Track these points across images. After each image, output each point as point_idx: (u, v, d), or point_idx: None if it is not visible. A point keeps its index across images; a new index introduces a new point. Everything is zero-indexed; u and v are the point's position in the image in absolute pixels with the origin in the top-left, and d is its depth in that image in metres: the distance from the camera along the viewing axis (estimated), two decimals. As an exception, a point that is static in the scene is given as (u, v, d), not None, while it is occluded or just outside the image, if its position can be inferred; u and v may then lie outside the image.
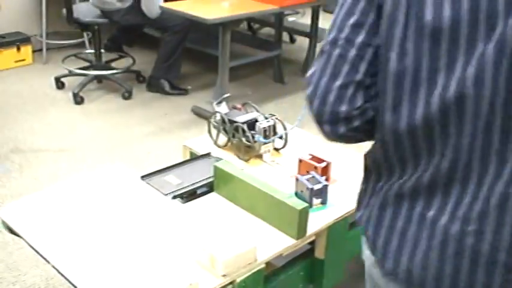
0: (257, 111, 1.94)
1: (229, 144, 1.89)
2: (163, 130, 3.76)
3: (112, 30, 4.47)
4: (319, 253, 1.60)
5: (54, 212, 1.55)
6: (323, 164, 1.72)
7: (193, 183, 1.70)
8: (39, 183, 3.05)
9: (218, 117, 1.89)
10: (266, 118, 1.87)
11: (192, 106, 4.03)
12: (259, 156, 1.84)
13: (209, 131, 1.93)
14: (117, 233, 1.47)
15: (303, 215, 1.45)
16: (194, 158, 1.86)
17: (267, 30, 5.60)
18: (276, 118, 1.87)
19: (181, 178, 1.73)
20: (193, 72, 4.70)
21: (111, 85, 4.29)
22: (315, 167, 1.70)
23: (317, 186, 1.60)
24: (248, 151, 1.83)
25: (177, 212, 1.57)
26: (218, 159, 1.84)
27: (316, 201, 1.62)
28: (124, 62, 4.47)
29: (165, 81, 4.21)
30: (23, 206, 1.59)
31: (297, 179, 1.65)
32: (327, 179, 1.74)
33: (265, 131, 1.81)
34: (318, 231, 1.53)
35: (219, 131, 1.90)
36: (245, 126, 1.79)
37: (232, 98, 4.16)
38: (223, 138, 1.91)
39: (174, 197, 1.63)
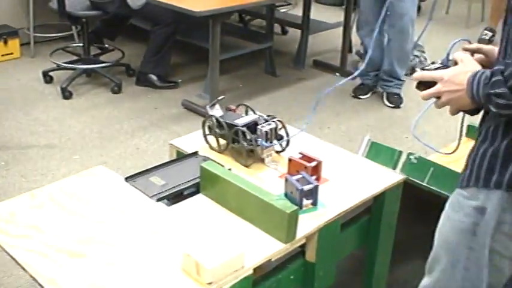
0: (253, 112, 1.87)
1: (227, 149, 1.81)
2: (153, 124, 3.70)
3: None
4: (310, 256, 1.55)
5: (34, 218, 1.49)
6: (313, 163, 1.66)
7: (179, 185, 1.64)
8: (27, 182, 2.99)
9: (213, 120, 1.81)
10: (266, 120, 1.79)
11: (182, 100, 3.97)
12: (261, 160, 1.77)
13: (204, 136, 1.85)
14: (98, 239, 1.42)
15: (292, 218, 1.40)
16: (181, 157, 1.80)
17: (259, 22, 5.53)
18: (278, 120, 1.79)
19: (167, 179, 1.67)
20: (184, 64, 4.63)
21: (100, 79, 4.22)
22: (305, 167, 1.65)
23: (307, 187, 1.55)
24: (250, 156, 1.75)
25: (162, 215, 1.52)
26: (206, 158, 1.79)
27: (307, 202, 1.57)
28: (113, 55, 4.39)
29: (154, 75, 4.14)
30: (3, 208, 1.53)
31: (286, 179, 1.59)
32: (317, 179, 1.69)
33: (266, 134, 1.74)
34: (309, 234, 1.48)
35: (216, 136, 1.82)
36: (246, 130, 1.72)
37: (223, 91, 4.11)
38: (214, 142, 1.83)
39: (159, 199, 1.58)
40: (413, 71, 4.65)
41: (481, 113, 1.31)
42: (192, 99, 4.00)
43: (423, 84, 1.36)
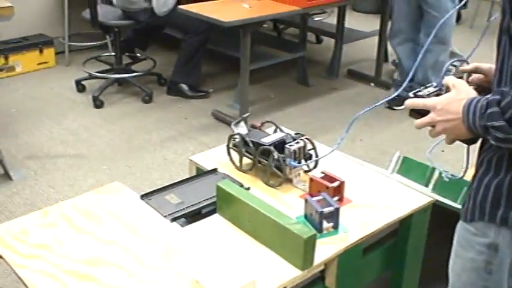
0: (280, 130, 1.80)
1: (254, 168, 1.74)
2: (182, 135, 3.67)
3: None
4: (330, 283, 1.47)
5: (44, 237, 1.46)
6: (335, 184, 1.58)
7: (196, 204, 1.59)
8: (55, 192, 2.99)
9: (238, 138, 1.75)
10: (294, 139, 1.71)
11: (212, 110, 3.93)
12: (289, 181, 1.69)
13: (229, 154, 1.78)
14: (107, 261, 1.37)
15: (309, 244, 1.33)
16: (199, 174, 1.74)
17: (293, 31, 5.46)
18: (306, 138, 1.71)
19: (183, 197, 1.62)
20: (215, 73, 4.59)
21: (132, 88, 4.22)
22: (327, 187, 1.57)
23: (327, 209, 1.47)
24: (277, 176, 1.67)
25: (175, 236, 1.46)
26: (225, 176, 1.73)
27: (327, 225, 1.49)
28: (145, 65, 4.39)
29: (185, 85, 4.12)
30: (15, 226, 1.50)
31: (306, 200, 1.52)
32: (340, 200, 1.61)
33: (295, 153, 1.66)
34: (328, 260, 1.40)
35: (241, 155, 1.75)
36: (274, 149, 1.64)
37: (254, 101, 4.06)
38: (239, 161, 1.77)
39: (174, 219, 1.52)
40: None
41: (480, 139, 1.23)
42: (223, 109, 3.96)
43: (417, 112, 1.28)
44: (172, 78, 4.15)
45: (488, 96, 1.13)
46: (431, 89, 1.35)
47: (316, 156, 1.71)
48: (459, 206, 2.00)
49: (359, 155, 3.49)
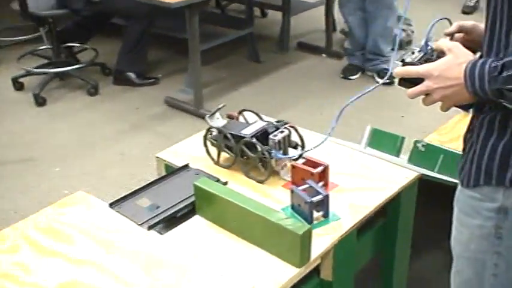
0: (260, 118, 1.67)
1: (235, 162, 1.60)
2: (136, 127, 3.49)
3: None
4: (326, 274, 1.37)
5: (6, 265, 1.30)
6: (320, 169, 1.48)
7: (172, 206, 1.45)
8: (6, 201, 2.77)
9: (215, 132, 1.60)
10: (277, 128, 1.57)
11: (165, 97, 3.75)
12: (275, 173, 1.55)
13: (207, 151, 1.64)
14: (82, 284, 1.23)
15: (306, 239, 1.22)
16: (170, 173, 1.60)
17: (237, 6, 5.29)
18: (290, 126, 1.58)
19: (157, 200, 1.48)
20: (161, 58, 4.40)
21: (75, 81, 3.98)
22: (311, 174, 1.47)
23: (316, 198, 1.37)
24: (262, 170, 1.54)
25: (155, 246, 1.33)
26: (198, 171, 1.60)
27: (317, 214, 1.39)
28: (86, 55, 4.15)
29: (132, 73, 3.92)
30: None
31: (292, 191, 1.41)
32: (325, 185, 1.51)
33: (279, 143, 1.53)
34: (324, 252, 1.30)
35: (221, 150, 1.61)
36: (257, 142, 1.50)
37: (206, 83, 3.90)
38: (217, 155, 1.63)
39: (151, 227, 1.38)
40: (400, 46, 4.48)
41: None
42: (175, 95, 3.79)
43: (407, 80, 1.19)
44: (117, 67, 3.94)
45: (492, 59, 1.05)
46: (417, 54, 1.26)
47: (302, 142, 1.59)
48: (439, 176, 1.94)
49: (321, 129, 3.41)
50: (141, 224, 1.39)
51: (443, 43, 1.15)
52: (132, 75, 3.91)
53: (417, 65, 1.19)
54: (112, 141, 3.32)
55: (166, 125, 3.49)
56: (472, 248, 1.20)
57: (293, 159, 1.53)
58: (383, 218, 1.59)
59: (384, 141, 2.29)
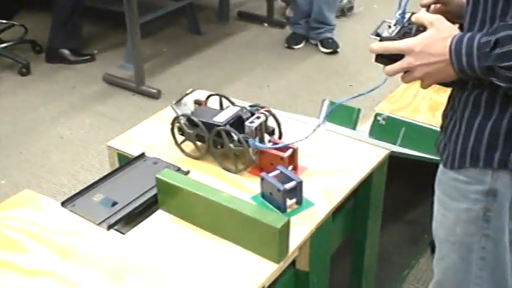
0: (231, 102, 1.53)
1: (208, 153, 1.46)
2: (75, 107, 3.29)
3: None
4: (303, 265, 1.30)
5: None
6: (289, 152, 1.39)
7: (132, 201, 1.33)
8: None
9: (184, 120, 1.46)
10: (252, 113, 1.43)
11: (103, 74, 3.55)
12: (252, 162, 1.41)
13: (176, 143, 1.48)
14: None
15: (284, 232, 1.14)
16: (125, 164, 1.47)
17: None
18: (266, 110, 1.45)
19: (114, 195, 1.35)
20: (98, 33, 4.15)
21: (3, 61, 3.70)
22: (281, 158, 1.38)
23: (290, 185, 1.28)
24: (239, 160, 1.40)
25: (118, 248, 1.21)
26: (156, 160, 1.47)
27: (290, 202, 1.30)
28: (14, 32, 3.86)
29: (66, 49, 3.68)
30: None
31: (262, 179, 1.32)
32: (294, 168, 1.42)
33: (256, 130, 1.40)
34: (302, 243, 1.22)
35: (191, 140, 1.46)
36: (232, 130, 1.37)
37: (146, 57, 3.71)
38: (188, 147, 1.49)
39: (110, 226, 1.26)
40: (342, 13, 4.42)
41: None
42: (114, 71, 3.59)
43: (385, 57, 1.11)
44: (49, 44, 3.69)
45: (480, 33, 0.98)
46: (393, 28, 1.17)
47: (279, 128, 1.47)
48: (409, 152, 1.90)
49: (269, 102, 3.32)
50: (99, 224, 1.27)
51: (424, 16, 1.07)
52: (66, 51, 3.68)
53: (396, 40, 1.11)
54: (50, 124, 3.11)
55: (106, 104, 3.31)
56: (458, 232, 1.16)
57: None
58: (353, 198, 1.52)
59: (340, 114, 2.23)
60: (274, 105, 3.27)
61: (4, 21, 3.85)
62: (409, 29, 1.14)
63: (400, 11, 1.20)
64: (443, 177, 1.16)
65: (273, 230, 1.12)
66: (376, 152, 1.51)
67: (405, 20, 1.18)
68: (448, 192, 1.15)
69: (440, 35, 1.03)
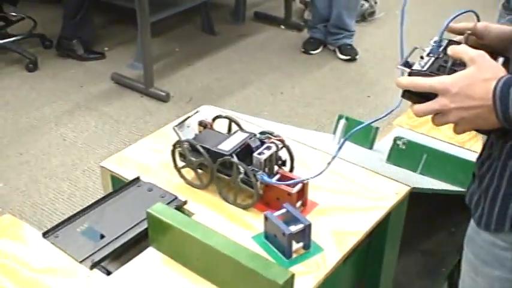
0: (239, 126, 1.36)
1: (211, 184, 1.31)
2: (80, 107, 3.17)
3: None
4: (307, 318, 1.16)
5: None
6: (298, 188, 1.25)
7: (121, 235, 1.20)
8: None
9: (187, 145, 1.31)
10: (261, 142, 1.27)
11: (112, 73, 3.43)
12: (259, 197, 1.26)
13: (179, 171, 1.33)
14: None
15: (287, 287, 1.00)
16: (117, 189, 1.34)
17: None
18: (278, 139, 1.28)
19: (103, 227, 1.22)
20: (107, 30, 4.03)
21: (10, 56, 3.59)
22: (288, 194, 1.23)
23: (296, 228, 1.14)
24: (243, 193, 1.26)
25: (100, 291, 1.08)
26: (151, 186, 1.34)
27: (297, 246, 1.16)
28: (23, 26, 3.75)
29: (78, 42, 3.56)
30: None
31: (266, 218, 1.18)
32: (303, 205, 1.28)
33: (265, 162, 1.24)
34: (306, 297, 1.08)
35: (193, 168, 1.31)
36: (239, 162, 1.21)
37: (157, 57, 3.59)
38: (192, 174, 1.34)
39: (94, 265, 1.13)
40: (363, 18, 4.26)
41: None
42: (123, 71, 3.48)
43: (414, 93, 0.97)
44: (62, 33, 3.57)
45: None
46: (426, 59, 1.02)
47: (292, 160, 1.33)
48: (423, 179, 1.75)
49: (283, 111, 3.18)
50: (82, 261, 1.14)
51: (464, 50, 0.92)
52: (77, 45, 3.54)
53: (429, 75, 0.96)
54: (53, 125, 3.00)
55: (113, 105, 3.19)
56: None
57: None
58: (367, 239, 1.38)
59: (355, 132, 2.09)
60: (287, 113, 3.15)
61: (14, 13, 3.74)
62: (444, 61, 0.99)
63: (436, 38, 1.05)
64: (476, 237, 1.01)
65: (275, 285, 0.98)
66: (396, 189, 1.36)
67: (441, 49, 1.04)
68: (481, 255, 1.01)
69: (482, 75, 0.88)
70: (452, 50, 0.94)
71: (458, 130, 0.94)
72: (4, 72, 3.49)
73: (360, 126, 1.18)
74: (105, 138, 2.87)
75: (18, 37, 3.58)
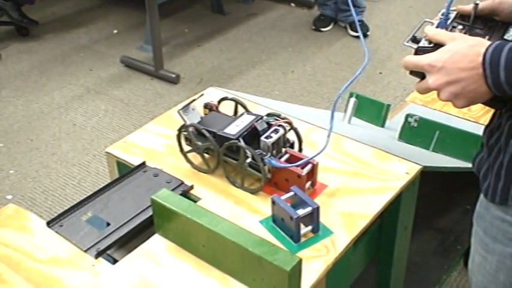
0: (246, 109, 1.33)
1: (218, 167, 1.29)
2: (90, 91, 3.15)
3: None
4: (317, 303, 1.13)
5: None
6: (308, 168, 1.21)
7: (126, 223, 1.18)
8: None
9: (192, 129, 1.28)
10: (268, 124, 1.24)
11: (121, 56, 3.40)
12: (267, 181, 1.23)
13: (185, 156, 1.32)
14: None
15: (295, 275, 0.97)
16: (123, 175, 1.32)
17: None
18: (286, 122, 1.25)
19: (107, 215, 1.20)
20: (119, 12, 4.00)
21: (22, 39, 3.58)
22: (298, 175, 1.20)
23: (304, 212, 1.11)
24: (251, 177, 1.24)
25: (105, 281, 1.06)
26: (158, 172, 1.31)
27: (305, 230, 1.13)
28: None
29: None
30: None
31: (273, 202, 1.15)
32: (313, 185, 1.25)
33: (273, 146, 1.22)
34: (316, 282, 1.06)
35: (199, 152, 1.29)
36: (247, 147, 1.18)
37: (166, 39, 3.55)
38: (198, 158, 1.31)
39: (99, 253, 1.11)
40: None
41: None
42: (132, 53, 3.44)
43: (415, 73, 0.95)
44: None
45: None
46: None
47: (300, 142, 1.29)
48: (435, 157, 1.71)
49: (294, 90, 3.14)
50: (87, 250, 1.12)
51: (442, 32, 0.91)
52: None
53: (429, 50, 0.92)
54: (63, 110, 2.98)
55: (123, 88, 3.16)
56: (501, 279, 0.98)
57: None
58: (378, 219, 1.35)
59: (368, 110, 2.04)
60: (298, 92, 3.11)
61: None
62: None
63: (443, 10, 1.00)
64: (486, 213, 0.98)
65: (282, 272, 0.95)
66: (407, 168, 1.32)
67: (449, 22, 0.99)
68: (491, 232, 0.97)
69: (466, 43, 0.85)
70: (428, 31, 0.91)
71: (456, 105, 0.90)
72: (18, 56, 3.47)
73: (344, 87, 1.12)
74: (116, 122, 2.85)
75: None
